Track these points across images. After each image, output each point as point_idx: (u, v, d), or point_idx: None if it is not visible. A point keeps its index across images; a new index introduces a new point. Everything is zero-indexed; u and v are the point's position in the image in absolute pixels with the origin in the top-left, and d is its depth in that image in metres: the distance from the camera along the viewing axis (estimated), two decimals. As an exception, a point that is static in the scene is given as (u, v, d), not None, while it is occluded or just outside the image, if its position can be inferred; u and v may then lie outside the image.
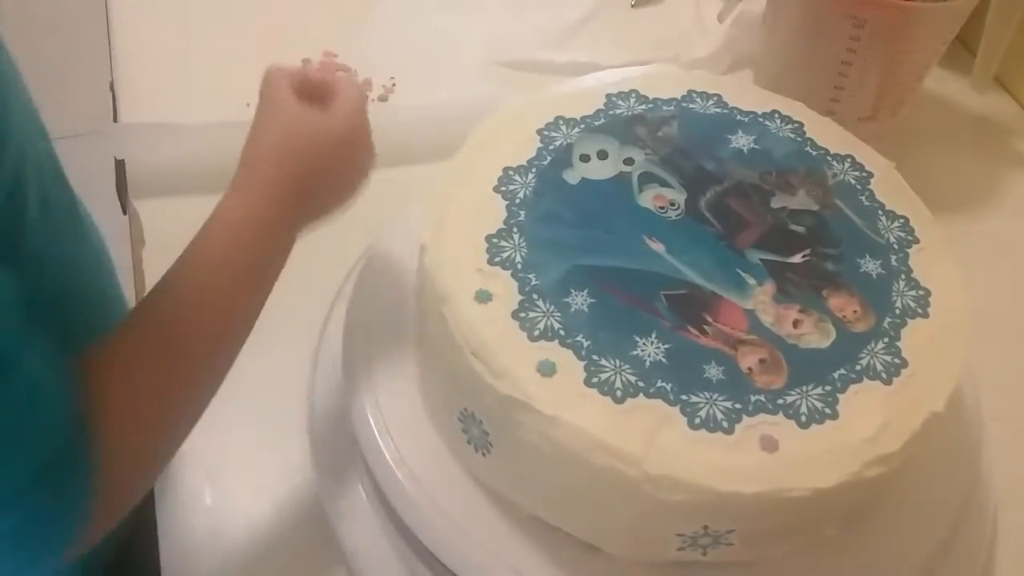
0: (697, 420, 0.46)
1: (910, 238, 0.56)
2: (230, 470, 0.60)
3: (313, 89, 0.56)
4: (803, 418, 0.47)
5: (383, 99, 0.83)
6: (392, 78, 0.84)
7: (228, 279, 0.50)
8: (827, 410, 0.47)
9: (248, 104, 0.81)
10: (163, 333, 0.47)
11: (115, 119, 0.80)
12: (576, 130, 0.58)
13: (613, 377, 0.47)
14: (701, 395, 0.47)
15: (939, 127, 0.87)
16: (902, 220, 0.56)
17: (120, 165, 0.75)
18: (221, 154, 0.76)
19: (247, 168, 0.54)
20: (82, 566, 0.53)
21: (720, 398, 0.47)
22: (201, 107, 0.78)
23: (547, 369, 0.47)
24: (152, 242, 0.70)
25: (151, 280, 0.67)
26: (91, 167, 0.79)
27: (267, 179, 0.52)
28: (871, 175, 0.59)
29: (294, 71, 0.56)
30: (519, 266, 0.51)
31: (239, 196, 0.52)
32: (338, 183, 0.56)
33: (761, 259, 0.53)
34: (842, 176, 0.58)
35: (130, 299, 0.64)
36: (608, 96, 0.61)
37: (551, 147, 0.57)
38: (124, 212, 0.74)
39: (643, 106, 0.60)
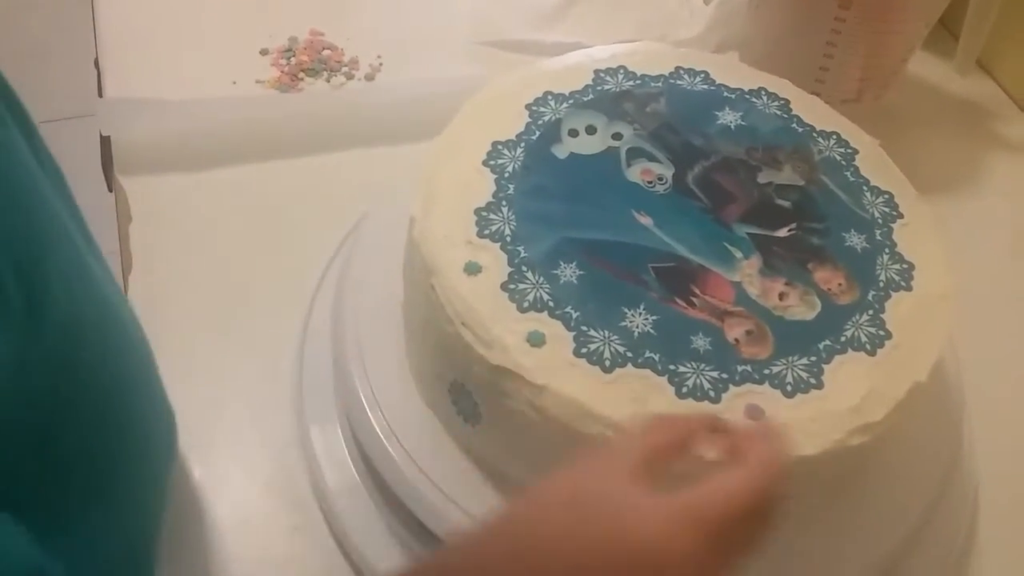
0: (684, 389, 0.47)
1: (894, 213, 0.56)
2: (218, 445, 0.60)
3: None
4: (788, 388, 0.47)
5: (370, 78, 0.83)
6: (379, 57, 0.84)
7: None
8: (812, 380, 0.48)
9: (234, 82, 0.81)
10: None
11: (100, 95, 0.79)
12: (565, 105, 0.59)
13: (602, 347, 0.47)
14: (688, 365, 0.47)
15: (922, 110, 0.87)
16: (886, 196, 0.57)
17: (106, 141, 0.75)
18: (207, 130, 0.77)
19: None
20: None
21: (707, 368, 0.47)
22: (187, 83, 0.78)
23: (536, 339, 0.47)
24: (139, 218, 0.70)
25: (138, 256, 0.68)
26: (76, 146, 0.79)
27: None
28: (856, 151, 0.59)
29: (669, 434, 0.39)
30: (508, 239, 0.51)
31: None
32: None
33: (748, 233, 0.54)
34: (827, 152, 0.59)
35: (116, 274, 0.64)
36: (597, 72, 0.61)
37: (540, 122, 0.57)
38: (110, 189, 0.74)
39: (631, 82, 0.61)
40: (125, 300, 0.45)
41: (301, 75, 0.82)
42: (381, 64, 0.84)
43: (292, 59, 0.83)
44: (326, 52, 0.84)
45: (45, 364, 0.33)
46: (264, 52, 0.83)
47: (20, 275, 0.32)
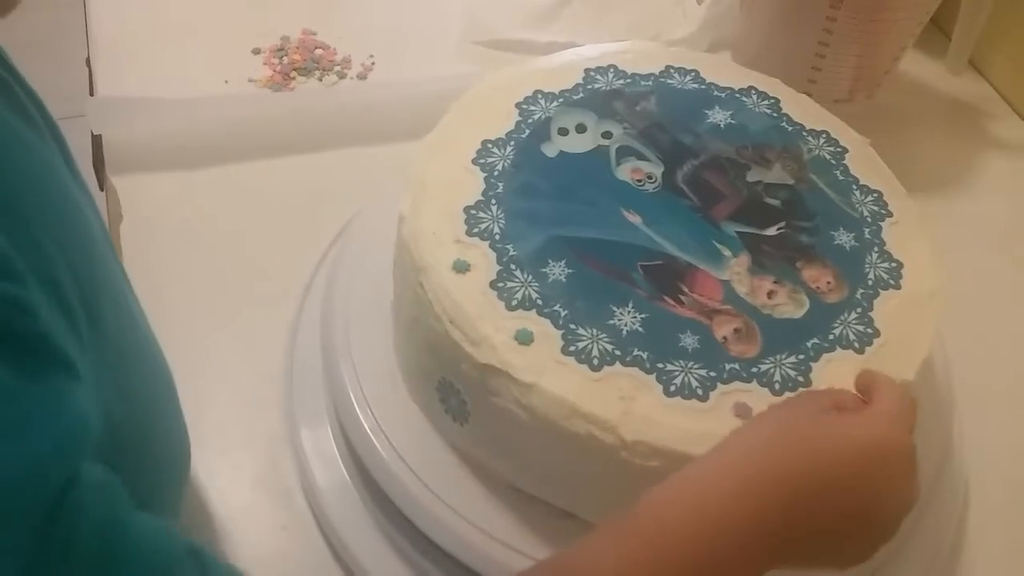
0: (672, 388, 0.47)
1: (883, 212, 0.56)
2: (208, 442, 0.60)
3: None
4: (776, 386, 0.47)
5: (362, 77, 0.83)
6: (371, 56, 0.84)
7: None
8: (800, 378, 0.48)
9: (227, 81, 0.81)
10: None
11: (92, 94, 0.79)
12: (555, 104, 0.59)
13: (590, 346, 0.47)
14: (676, 363, 0.47)
15: (914, 109, 0.88)
16: (876, 194, 0.57)
17: (97, 140, 0.75)
18: (199, 129, 0.77)
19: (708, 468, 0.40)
20: None
21: (695, 366, 0.47)
22: (179, 82, 0.78)
23: (525, 338, 0.47)
24: (130, 217, 0.70)
25: (128, 255, 0.68)
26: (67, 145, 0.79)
27: (743, 488, 0.38)
28: (846, 150, 0.59)
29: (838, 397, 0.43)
30: (497, 237, 0.51)
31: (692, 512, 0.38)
32: (850, 520, 0.39)
33: (737, 231, 0.54)
34: (817, 151, 0.59)
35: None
36: (587, 71, 0.61)
37: (530, 120, 0.57)
38: (101, 188, 0.74)
39: (621, 81, 0.61)
40: (145, 317, 0.45)
41: (293, 74, 0.82)
42: (373, 63, 0.84)
43: (284, 58, 0.83)
44: (318, 51, 0.84)
45: (105, 388, 0.33)
46: (256, 51, 0.83)
47: (81, 294, 0.32)
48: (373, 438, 0.53)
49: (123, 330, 0.38)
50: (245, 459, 0.60)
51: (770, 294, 0.51)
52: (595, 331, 0.48)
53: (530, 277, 0.50)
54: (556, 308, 0.49)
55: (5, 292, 0.27)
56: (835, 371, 0.48)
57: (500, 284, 0.49)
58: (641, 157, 0.57)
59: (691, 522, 0.37)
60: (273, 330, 0.64)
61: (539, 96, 0.59)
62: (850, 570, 0.40)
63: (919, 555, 0.56)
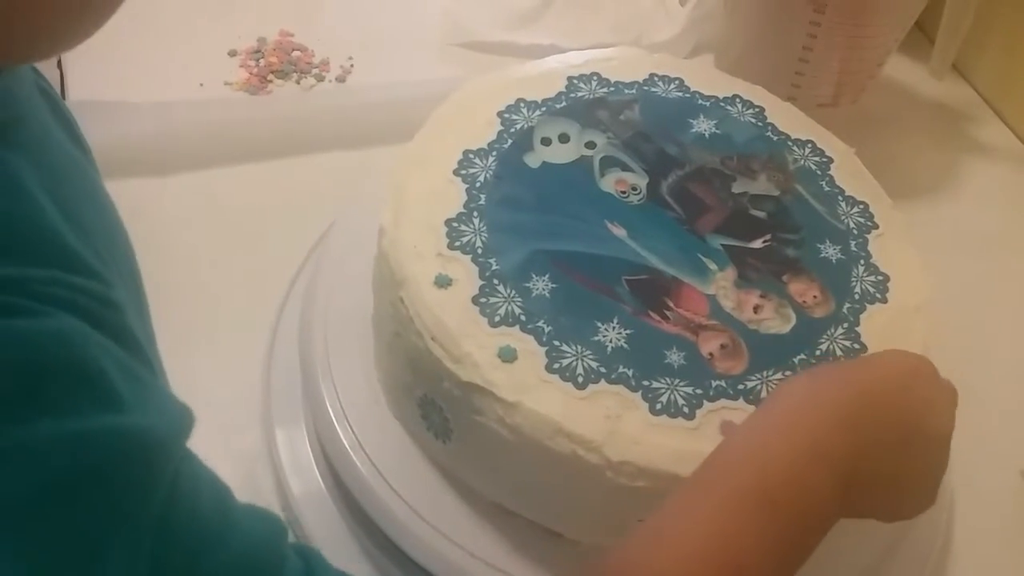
0: (658, 406, 0.46)
1: (869, 224, 0.56)
2: (184, 458, 0.59)
3: None
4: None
5: (341, 80, 0.81)
6: (350, 58, 0.83)
7: None
8: (787, 395, 0.47)
9: (201, 84, 0.80)
10: None
11: (63, 97, 0.77)
12: (537, 113, 0.58)
13: (574, 363, 0.47)
14: (662, 380, 0.47)
15: (898, 114, 0.87)
16: (862, 206, 0.57)
17: (69, 145, 0.73)
18: (173, 133, 0.75)
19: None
20: None
21: (681, 383, 0.47)
22: (152, 85, 0.77)
23: (508, 355, 0.46)
24: (103, 224, 0.68)
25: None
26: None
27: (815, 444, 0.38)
28: (831, 160, 0.59)
29: None
30: (479, 251, 0.50)
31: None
32: (908, 436, 0.40)
33: (722, 244, 0.53)
34: (803, 161, 0.58)
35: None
36: (570, 79, 0.60)
37: (512, 130, 0.56)
38: (73, 193, 0.72)
39: (605, 89, 0.60)
40: None
41: (270, 77, 0.80)
42: (352, 66, 0.83)
43: (261, 60, 0.81)
44: (296, 53, 0.82)
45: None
46: (232, 53, 0.82)
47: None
48: (352, 453, 0.52)
49: (152, 345, 0.39)
50: (222, 472, 0.58)
51: (756, 308, 0.51)
52: (580, 348, 0.47)
53: (513, 292, 0.49)
54: (540, 324, 0.48)
55: (97, 290, 0.29)
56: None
57: (483, 299, 0.48)
58: (625, 168, 0.56)
59: (759, 465, 0.37)
60: (251, 340, 0.63)
61: (521, 105, 0.58)
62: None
63: (905, 566, 0.55)
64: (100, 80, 0.78)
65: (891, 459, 0.39)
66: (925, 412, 0.40)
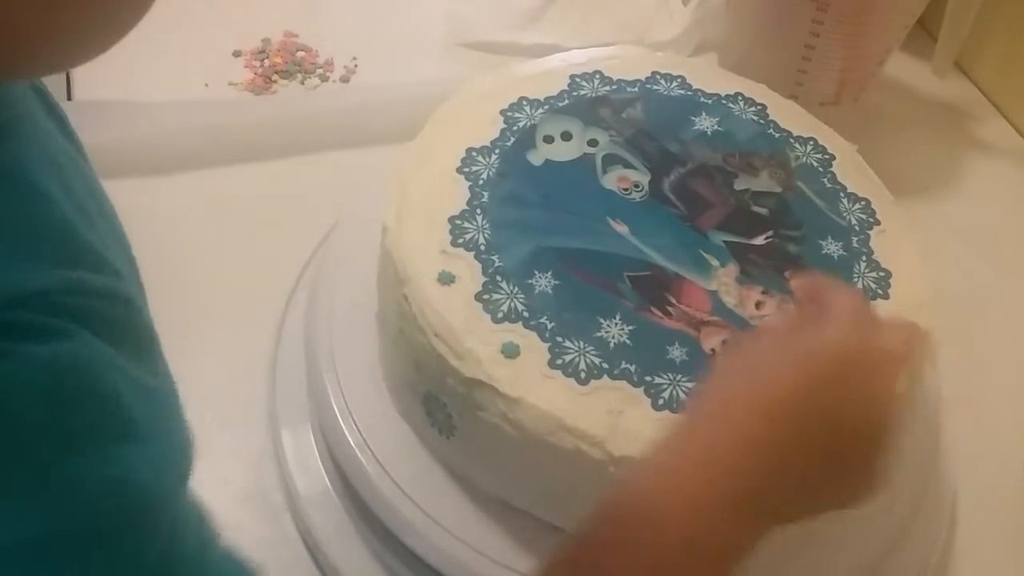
0: (661, 401, 0.46)
1: (871, 220, 0.56)
2: (190, 455, 0.59)
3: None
4: (765, 399, 0.47)
5: (345, 80, 0.82)
6: (354, 58, 0.83)
7: None
8: (789, 391, 0.47)
9: (207, 84, 0.80)
10: None
11: (69, 97, 0.78)
12: (540, 111, 0.58)
13: (577, 359, 0.47)
14: (665, 376, 0.47)
15: (900, 112, 0.87)
16: (863, 202, 0.57)
17: (75, 145, 0.73)
18: (178, 134, 0.75)
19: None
20: None
21: (683, 379, 0.47)
22: (157, 85, 0.77)
23: (511, 351, 0.47)
24: (108, 224, 0.69)
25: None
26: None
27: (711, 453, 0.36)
28: (833, 157, 0.59)
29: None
30: (482, 248, 0.50)
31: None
32: (842, 433, 0.37)
33: (724, 241, 0.53)
34: (804, 158, 0.59)
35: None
36: (572, 77, 0.60)
37: (515, 128, 0.57)
38: (79, 193, 0.73)
39: (607, 87, 0.60)
40: None
41: (275, 77, 0.81)
42: (356, 66, 0.83)
43: (265, 61, 0.82)
44: (300, 54, 0.83)
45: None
46: (237, 54, 0.82)
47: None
48: (357, 451, 0.52)
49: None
50: (228, 472, 0.59)
51: (758, 305, 0.51)
52: (582, 344, 0.47)
53: (516, 289, 0.49)
54: (543, 320, 0.48)
55: (113, 288, 0.29)
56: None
57: (485, 296, 0.49)
58: (627, 165, 0.56)
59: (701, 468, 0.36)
60: (256, 338, 0.63)
61: (524, 103, 0.58)
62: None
63: (907, 565, 0.55)
64: (105, 81, 0.78)
65: (817, 463, 0.37)
66: (854, 408, 0.37)
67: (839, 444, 0.37)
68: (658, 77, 0.61)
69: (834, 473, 0.38)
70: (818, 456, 0.37)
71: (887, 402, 0.38)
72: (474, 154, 0.55)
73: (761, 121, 0.60)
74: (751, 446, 0.36)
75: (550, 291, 0.49)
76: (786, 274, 0.52)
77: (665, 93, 0.61)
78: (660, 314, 0.49)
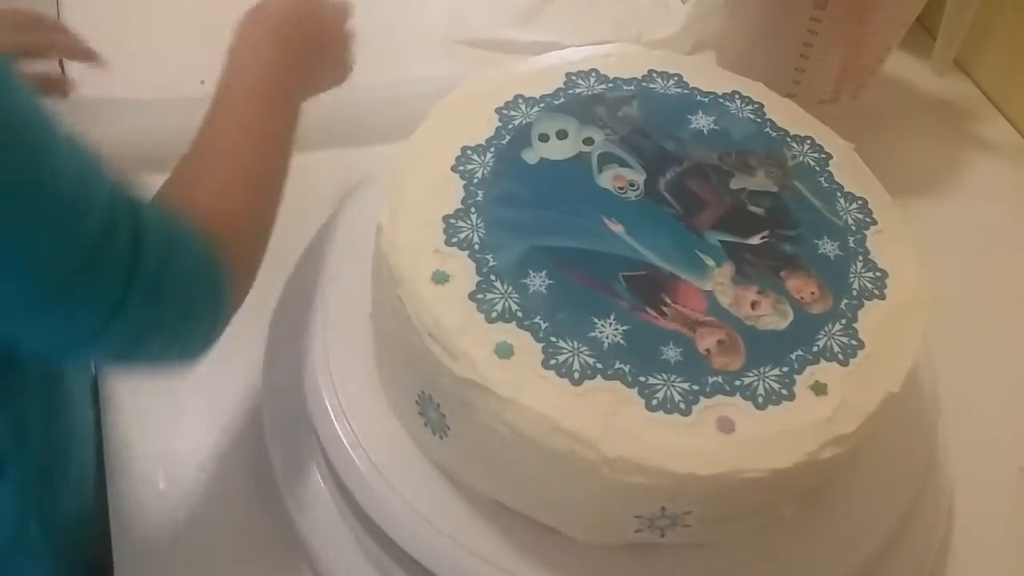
0: (655, 402, 0.46)
1: (868, 220, 0.56)
2: (184, 455, 0.59)
3: None
4: (760, 399, 0.47)
5: (342, 77, 0.81)
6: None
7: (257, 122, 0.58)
8: (784, 391, 0.47)
9: (202, 81, 0.79)
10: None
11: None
12: (535, 109, 0.58)
13: (571, 359, 0.47)
14: (659, 376, 0.47)
15: (899, 110, 0.87)
16: (860, 202, 0.56)
17: (70, 142, 0.73)
18: (174, 130, 0.75)
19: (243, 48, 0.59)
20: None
21: (678, 379, 0.47)
22: (153, 82, 0.77)
23: (504, 351, 0.46)
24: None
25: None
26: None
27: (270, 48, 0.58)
28: (830, 156, 0.59)
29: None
30: (476, 247, 0.50)
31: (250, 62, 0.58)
32: (317, 47, 0.61)
33: (720, 240, 0.53)
34: (801, 157, 0.58)
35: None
36: (568, 75, 0.60)
37: (510, 126, 0.56)
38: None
39: (603, 85, 0.60)
40: None
41: (271, 74, 0.80)
42: (354, 63, 0.82)
43: (262, 58, 0.81)
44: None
45: None
46: (233, 50, 0.82)
47: None
48: (351, 452, 0.52)
49: None
50: (221, 471, 0.59)
51: (754, 304, 0.50)
52: (576, 344, 0.47)
53: (510, 288, 0.49)
54: (537, 320, 0.48)
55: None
56: (819, 384, 0.48)
57: (480, 296, 0.48)
58: (623, 164, 0.56)
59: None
60: (248, 339, 0.62)
61: (520, 101, 0.58)
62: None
63: (905, 565, 0.55)
64: (101, 77, 0.78)
65: (315, 58, 0.61)
66: (320, 30, 0.62)
67: (322, 47, 0.62)
68: (654, 75, 0.61)
69: (326, 64, 0.63)
70: (315, 55, 0.60)
71: (339, 25, 0.64)
72: (469, 152, 0.55)
73: (758, 120, 0.60)
74: (282, 47, 0.57)
75: (544, 291, 0.49)
76: (782, 274, 0.52)
77: (661, 91, 0.60)
78: (655, 314, 0.49)
